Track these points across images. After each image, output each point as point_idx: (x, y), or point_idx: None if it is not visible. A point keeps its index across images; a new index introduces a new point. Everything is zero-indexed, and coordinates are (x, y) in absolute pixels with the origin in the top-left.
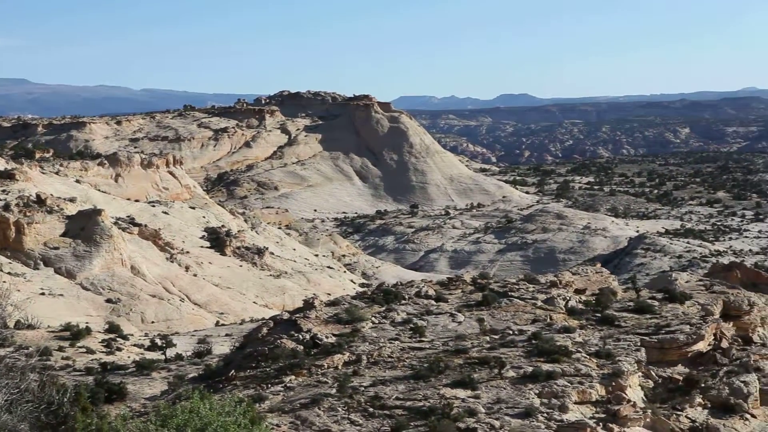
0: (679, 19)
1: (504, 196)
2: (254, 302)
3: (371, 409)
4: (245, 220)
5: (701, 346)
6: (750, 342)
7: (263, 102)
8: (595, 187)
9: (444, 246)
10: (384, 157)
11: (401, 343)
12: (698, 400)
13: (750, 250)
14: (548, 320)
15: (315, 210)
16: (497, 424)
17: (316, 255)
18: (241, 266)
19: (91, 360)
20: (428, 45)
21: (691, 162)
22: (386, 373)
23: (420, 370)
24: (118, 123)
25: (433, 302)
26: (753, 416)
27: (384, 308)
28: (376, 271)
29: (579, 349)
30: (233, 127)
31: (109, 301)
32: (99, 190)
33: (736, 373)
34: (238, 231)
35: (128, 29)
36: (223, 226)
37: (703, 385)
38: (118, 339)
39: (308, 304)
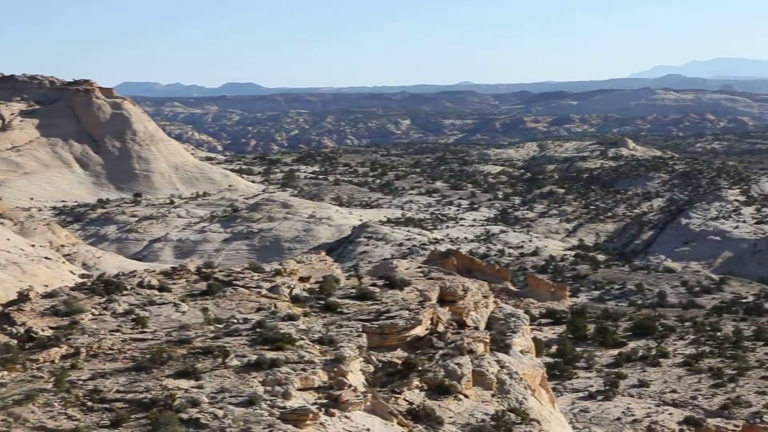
0: (399, 12)
1: (230, 185)
2: None
3: (90, 403)
4: None
5: (419, 330)
6: (464, 326)
7: None
8: (320, 177)
9: (168, 235)
10: (106, 145)
11: (122, 335)
12: (416, 382)
13: (465, 238)
14: (273, 308)
15: (32, 198)
16: (220, 413)
17: (33, 245)
18: None
19: None
20: (152, 30)
21: (412, 153)
22: (106, 366)
23: (142, 361)
24: None
25: (156, 292)
26: (466, 396)
27: (105, 299)
28: (97, 261)
29: (303, 336)
30: None
31: None
32: None
33: (451, 355)
34: None
35: None
36: None
37: (420, 368)
38: None
39: (23, 297)
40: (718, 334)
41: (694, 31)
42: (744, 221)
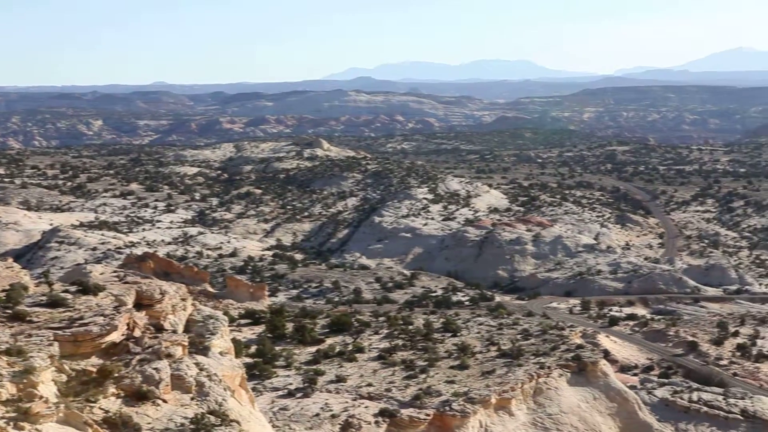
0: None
1: None
2: None
3: None
4: None
5: (115, 336)
6: (162, 329)
7: None
8: (6, 180)
9: None
10: None
11: None
12: (112, 390)
13: (162, 240)
14: None
15: None
16: None
17: None
18: None
19: None
20: None
21: (105, 154)
22: None
23: None
24: None
25: None
26: (164, 401)
27: None
28: None
29: None
30: None
31: None
32: None
33: (149, 360)
34: None
35: None
36: None
37: (116, 375)
38: None
39: None
40: (410, 327)
41: (384, 34)
42: (432, 218)
